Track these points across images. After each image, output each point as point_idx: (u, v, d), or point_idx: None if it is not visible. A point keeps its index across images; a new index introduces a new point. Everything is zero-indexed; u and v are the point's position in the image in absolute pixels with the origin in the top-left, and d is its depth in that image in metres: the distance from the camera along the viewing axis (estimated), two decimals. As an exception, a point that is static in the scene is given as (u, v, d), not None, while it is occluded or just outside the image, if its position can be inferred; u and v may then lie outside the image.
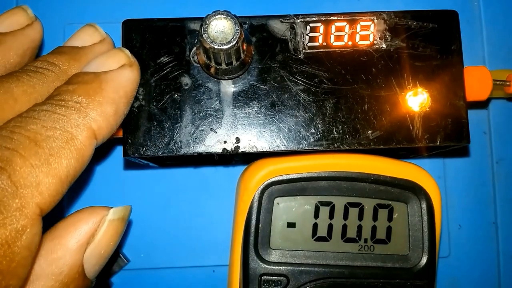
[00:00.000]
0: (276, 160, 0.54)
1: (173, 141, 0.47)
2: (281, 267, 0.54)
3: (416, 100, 0.48)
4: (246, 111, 0.48)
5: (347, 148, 0.48)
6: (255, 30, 0.49)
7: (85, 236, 0.39)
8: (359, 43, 0.49)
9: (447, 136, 0.48)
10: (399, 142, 0.48)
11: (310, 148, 0.48)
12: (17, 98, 0.38)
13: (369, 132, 0.48)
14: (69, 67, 0.43)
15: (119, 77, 0.42)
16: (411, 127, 0.48)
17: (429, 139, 0.48)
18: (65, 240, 0.38)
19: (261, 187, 0.54)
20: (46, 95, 0.40)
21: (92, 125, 0.38)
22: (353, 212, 0.55)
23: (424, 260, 0.54)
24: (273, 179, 0.54)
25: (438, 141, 0.48)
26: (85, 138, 0.37)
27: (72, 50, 0.45)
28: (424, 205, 0.54)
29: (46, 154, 0.34)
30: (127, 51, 0.44)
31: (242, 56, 0.45)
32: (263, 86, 0.48)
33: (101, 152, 0.64)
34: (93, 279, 0.41)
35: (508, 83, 0.57)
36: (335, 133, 0.48)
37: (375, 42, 0.49)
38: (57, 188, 0.35)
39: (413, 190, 0.55)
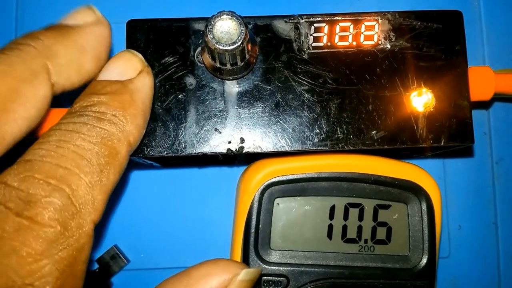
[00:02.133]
0: (276, 161, 0.54)
1: (178, 141, 0.47)
2: (281, 268, 0.54)
3: (420, 100, 0.48)
4: (251, 111, 0.48)
5: (352, 148, 0.48)
6: (259, 30, 0.49)
7: None
8: (363, 43, 0.49)
9: (451, 136, 0.48)
10: (403, 143, 0.48)
11: (314, 148, 0.48)
12: None
13: (374, 132, 0.48)
14: (55, 43, 0.40)
15: (143, 86, 0.42)
16: (415, 127, 0.48)
17: (433, 139, 0.48)
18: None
19: (261, 187, 0.54)
20: (28, 74, 0.37)
21: (130, 138, 0.38)
22: (353, 212, 0.56)
23: (424, 260, 0.54)
24: (273, 180, 0.54)
25: (443, 141, 0.48)
26: (125, 152, 0.38)
27: (61, 26, 0.43)
28: (424, 206, 0.55)
29: (98, 171, 0.35)
30: (140, 56, 0.44)
31: (247, 56, 0.45)
32: (267, 86, 0.48)
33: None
34: None
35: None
36: (339, 133, 0.48)
37: (380, 42, 0.49)
38: (105, 202, 0.35)
39: (413, 190, 0.55)
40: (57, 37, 0.40)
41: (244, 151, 0.48)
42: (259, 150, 0.48)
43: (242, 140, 0.48)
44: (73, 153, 0.34)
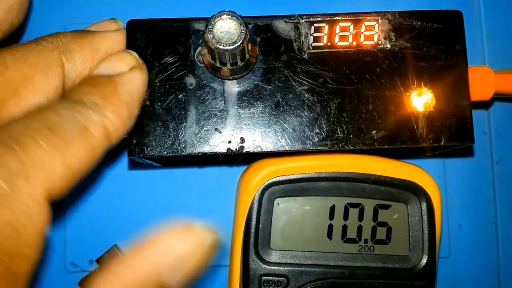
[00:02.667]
0: (276, 161, 0.54)
1: (178, 141, 0.47)
2: (281, 268, 0.54)
3: (420, 100, 0.48)
4: (251, 111, 0.48)
5: (352, 148, 0.48)
6: (259, 30, 0.49)
7: (170, 256, 0.36)
8: (363, 43, 0.49)
9: (451, 136, 0.49)
10: (403, 142, 0.48)
11: (314, 148, 0.48)
12: (8, 66, 0.38)
13: (374, 132, 0.48)
14: (71, 41, 0.43)
15: (132, 80, 0.42)
16: (415, 127, 0.48)
17: (433, 139, 0.48)
18: (147, 254, 0.36)
19: (261, 187, 0.54)
20: (43, 65, 0.39)
21: (108, 125, 0.38)
22: (353, 212, 0.56)
23: (424, 260, 0.54)
24: (273, 180, 0.54)
25: (443, 141, 0.48)
26: (99, 135, 0.37)
27: (82, 30, 0.45)
28: (424, 206, 0.55)
29: (61, 143, 0.34)
30: (135, 54, 0.44)
31: (247, 56, 0.45)
32: (267, 86, 0.48)
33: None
34: None
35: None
36: (339, 133, 0.48)
37: (380, 42, 0.49)
38: (67, 177, 0.34)
39: (413, 190, 0.55)
40: (75, 37, 0.43)
41: (244, 150, 0.48)
42: (259, 150, 0.48)
43: (242, 139, 0.48)
44: (40, 124, 0.34)
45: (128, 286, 0.35)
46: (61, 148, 0.34)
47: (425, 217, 0.55)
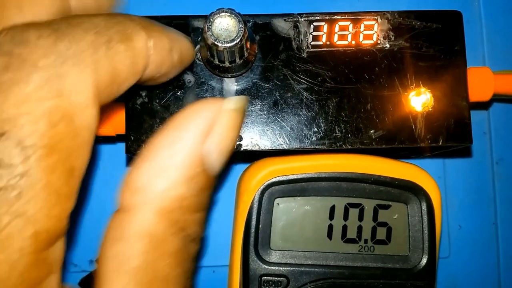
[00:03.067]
0: (276, 161, 0.54)
1: (176, 139, 0.47)
2: (281, 268, 0.54)
3: (419, 100, 0.48)
4: (249, 109, 0.48)
5: (350, 147, 0.48)
6: (258, 29, 0.49)
7: (203, 127, 0.36)
8: (362, 42, 0.49)
9: (449, 136, 0.48)
10: (401, 142, 0.48)
11: (312, 147, 0.48)
12: None
13: (372, 131, 0.48)
14: None
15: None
16: (413, 127, 0.48)
17: (431, 139, 0.48)
18: (185, 130, 0.36)
19: (261, 187, 0.54)
20: None
21: (149, 43, 0.36)
22: (353, 212, 0.56)
23: (424, 260, 0.54)
24: (273, 180, 0.54)
25: (441, 141, 0.48)
26: (142, 45, 0.35)
27: None
28: (424, 206, 0.55)
29: (105, 42, 0.32)
30: None
31: (246, 54, 0.45)
32: (266, 85, 0.48)
33: (103, 149, 0.64)
34: (215, 176, 0.39)
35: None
36: (337, 132, 0.48)
37: (379, 41, 0.49)
38: (111, 78, 0.33)
39: (413, 190, 0.55)
40: None
41: (242, 149, 0.48)
42: (257, 148, 0.48)
43: (240, 138, 0.48)
44: (84, 21, 0.32)
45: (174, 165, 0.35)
46: (110, 48, 0.32)
47: (425, 217, 0.55)
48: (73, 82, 0.30)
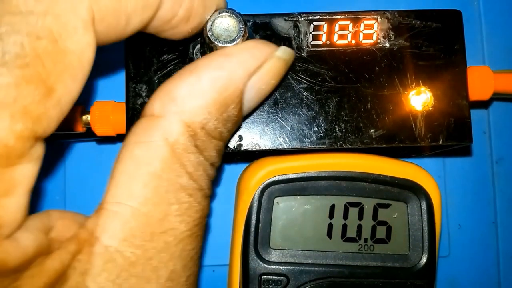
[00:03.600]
0: (276, 160, 0.54)
1: (176, 139, 0.47)
2: (281, 267, 0.54)
3: (419, 99, 0.48)
4: (249, 109, 0.48)
5: (350, 146, 0.48)
6: (258, 28, 0.49)
7: (255, 64, 0.38)
8: (362, 42, 0.49)
9: (449, 136, 0.48)
10: (401, 141, 0.48)
11: (312, 146, 0.48)
12: None
13: (372, 131, 0.48)
14: None
15: None
16: (413, 126, 0.48)
17: (431, 138, 0.48)
18: (235, 60, 0.38)
19: (261, 186, 0.54)
20: None
21: None
22: (353, 211, 0.56)
23: (424, 259, 0.54)
24: (273, 179, 0.54)
25: (441, 140, 0.48)
26: None
27: None
28: (424, 205, 0.55)
29: None
30: None
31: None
32: (266, 84, 0.48)
33: (103, 149, 0.64)
34: (243, 115, 0.41)
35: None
36: (337, 131, 0.48)
37: (379, 41, 0.49)
38: (114, 5, 0.32)
39: (413, 189, 0.55)
40: None
41: (242, 148, 0.48)
42: (257, 148, 0.48)
43: (240, 137, 0.48)
44: None
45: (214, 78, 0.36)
46: None
47: (425, 216, 0.55)
48: (66, 2, 0.29)
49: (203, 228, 0.39)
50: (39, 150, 0.31)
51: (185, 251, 0.36)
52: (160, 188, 0.34)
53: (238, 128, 0.47)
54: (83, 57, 0.31)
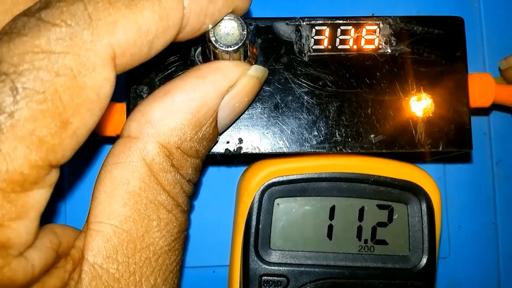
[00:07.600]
0: (277, 161, 0.54)
1: (177, 142, 0.47)
2: (281, 268, 0.54)
3: (419, 105, 0.48)
4: (250, 112, 0.48)
5: (350, 151, 0.48)
6: (260, 32, 0.49)
7: (227, 84, 0.39)
8: (364, 47, 0.49)
9: (449, 142, 0.49)
10: (401, 147, 0.48)
11: (312, 150, 0.48)
12: None
13: (372, 136, 0.48)
14: None
15: None
16: (414, 132, 0.48)
17: (431, 145, 0.48)
18: (208, 81, 0.38)
19: (262, 188, 0.54)
20: None
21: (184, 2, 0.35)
22: (353, 213, 0.56)
23: (424, 260, 0.55)
24: (274, 180, 0.54)
25: (441, 147, 0.48)
26: (174, 4, 0.34)
27: None
28: (424, 206, 0.55)
29: (131, 2, 0.32)
30: None
31: (247, 57, 0.45)
32: (267, 88, 0.48)
33: (103, 149, 0.64)
34: (220, 132, 0.42)
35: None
36: (337, 136, 0.48)
37: (380, 46, 0.49)
38: (134, 38, 0.32)
39: (413, 191, 0.55)
40: None
41: (242, 151, 0.48)
42: (257, 151, 0.48)
43: (241, 140, 0.48)
44: None
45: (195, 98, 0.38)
46: (129, 4, 0.32)
47: (425, 218, 0.55)
48: (85, 41, 0.30)
49: (183, 242, 0.41)
50: (53, 177, 0.32)
51: (165, 265, 0.38)
52: (139, 206, 0.36)
53: (238, 129, 0.47)
54: (101, 91, 0.32)
